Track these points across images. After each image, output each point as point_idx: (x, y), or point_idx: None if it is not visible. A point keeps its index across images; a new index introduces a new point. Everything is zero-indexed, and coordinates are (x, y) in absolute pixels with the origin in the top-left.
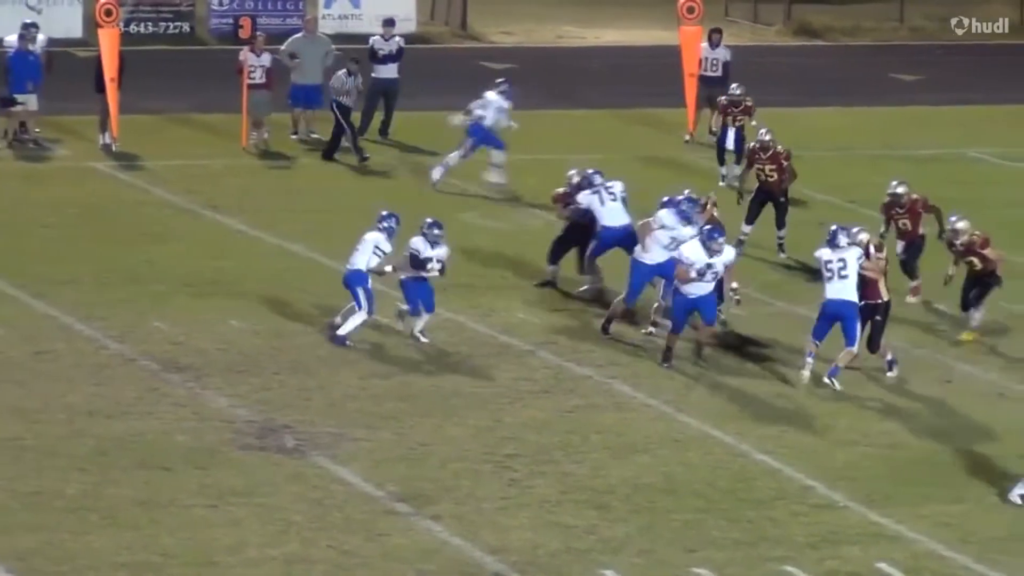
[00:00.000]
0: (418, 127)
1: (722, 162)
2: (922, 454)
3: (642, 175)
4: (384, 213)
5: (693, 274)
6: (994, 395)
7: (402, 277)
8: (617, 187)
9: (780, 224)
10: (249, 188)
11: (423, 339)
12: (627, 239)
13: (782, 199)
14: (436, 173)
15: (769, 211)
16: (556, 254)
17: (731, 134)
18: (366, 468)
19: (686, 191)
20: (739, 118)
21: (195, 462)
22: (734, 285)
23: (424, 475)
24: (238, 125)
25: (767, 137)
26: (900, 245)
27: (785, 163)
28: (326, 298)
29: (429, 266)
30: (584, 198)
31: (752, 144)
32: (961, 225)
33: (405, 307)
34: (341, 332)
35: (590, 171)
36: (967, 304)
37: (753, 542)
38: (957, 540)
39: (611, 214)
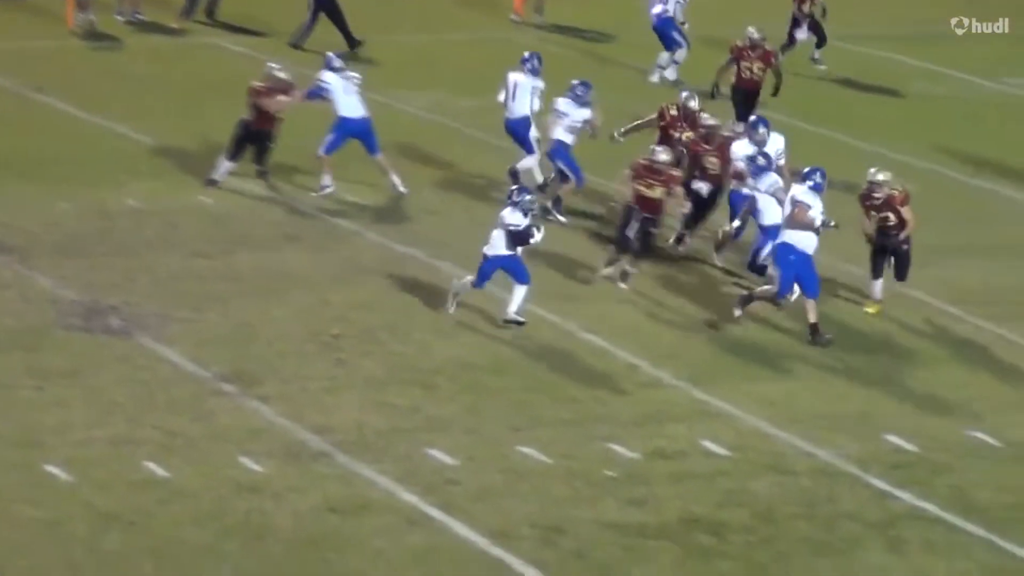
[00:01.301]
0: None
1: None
2: (747, 335)
3: (472, 57)
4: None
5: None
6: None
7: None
8: (356, 78)
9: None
10: (75, 70)
11: (520, 319)
12: (365, 132)
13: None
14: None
15: None
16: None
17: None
18: (192, 349)
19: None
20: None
21: (21, 343)
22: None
23: (250, 355)
24: (63, 7)
25: (758, 36)
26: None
27: (774, 61)
28: (153, 179)
29: (532, 238)
30: (330, 78)
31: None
32: (882, 176)
33: (468, 279)
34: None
35: (330, 54)
36: (879, 271)
37: (579, 421)
38: (782, 418)
39: (349, 105)
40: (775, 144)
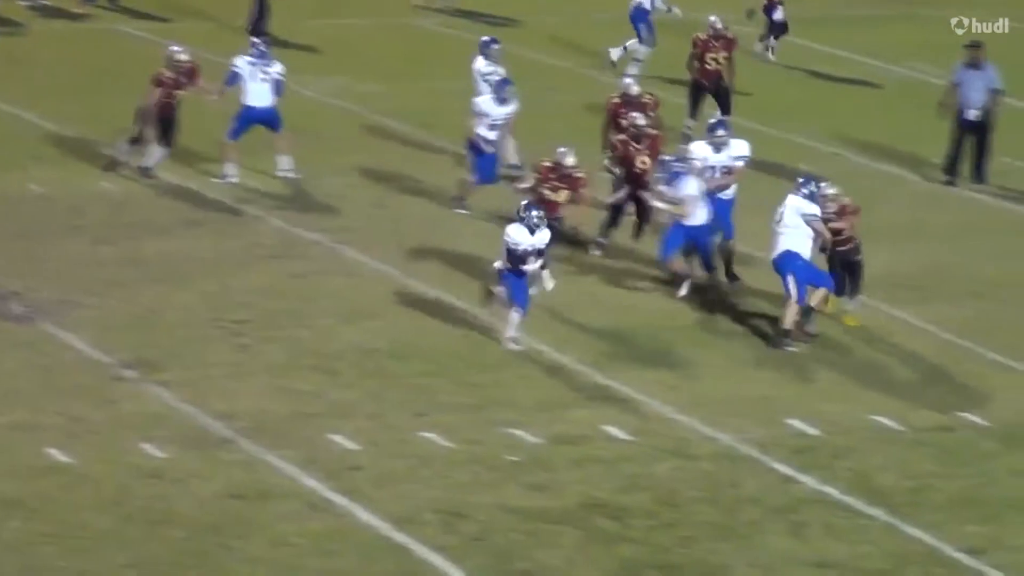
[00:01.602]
0: None
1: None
2: (650, 321)
3: (375, 42)
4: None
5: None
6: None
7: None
8: (276, 68)
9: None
10: None
11: (515, 347)
12: (269, 120)
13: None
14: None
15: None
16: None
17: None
18: (94, 335)
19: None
20: None
21: None
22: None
23: (152, 341)
24: None
25: (720, 25)
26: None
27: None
28: (55, 164)
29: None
30: (240, 64)
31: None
32: (832, 191)
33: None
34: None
35: (256, 39)
36: (841, 288)
37: (481, 406)
38: (685, 403)
39: (256, 93)
40: (738, 149)
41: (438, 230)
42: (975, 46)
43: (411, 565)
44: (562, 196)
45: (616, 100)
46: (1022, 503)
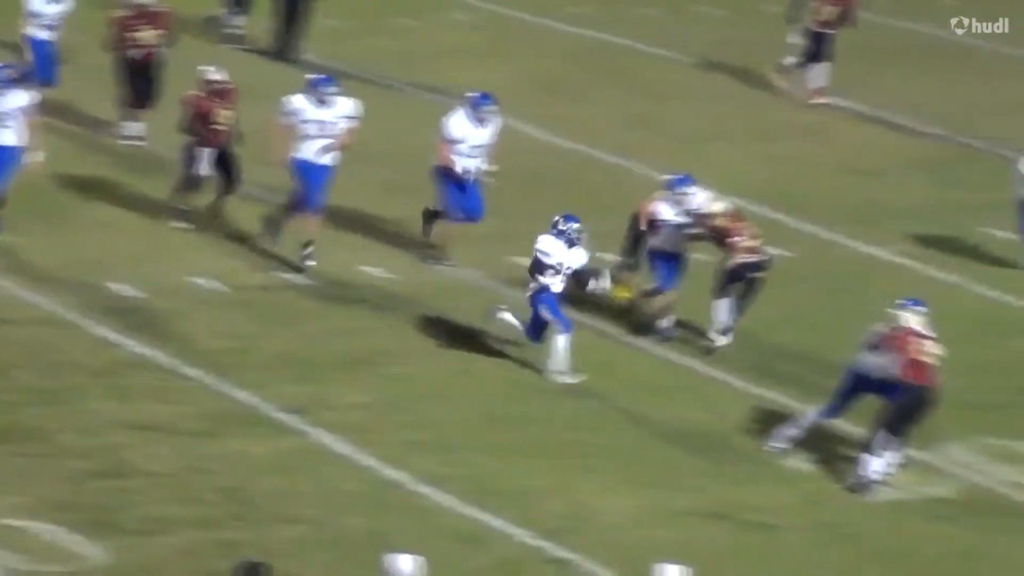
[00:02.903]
0: None
1: None
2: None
3: None
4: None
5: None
6: None
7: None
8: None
9: None
10: None
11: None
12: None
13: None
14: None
15: None
16: None
17: None
18: None
19: None
20: None
21: None
22: None
23: None
24: None
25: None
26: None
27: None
28: None
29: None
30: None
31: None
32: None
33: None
34: None
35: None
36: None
37: None
38: (4, 268)
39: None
40: (345, 108)
41: None
42: None
43: None
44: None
45: (123, 15)
46: (341, 362)
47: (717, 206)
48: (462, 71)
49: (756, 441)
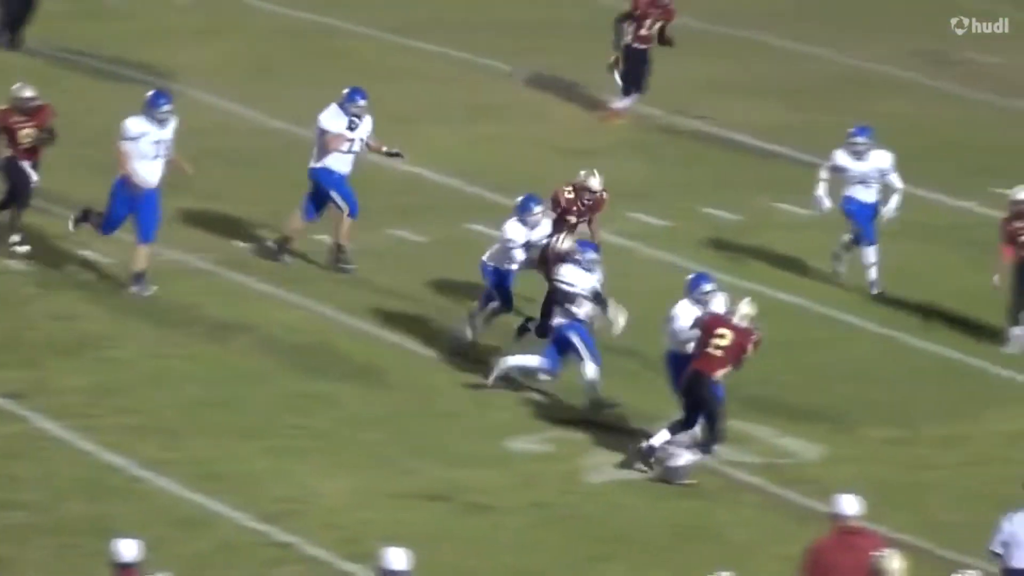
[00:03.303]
0: None
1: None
2: None
3: None
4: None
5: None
6: None
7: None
8: None
9: None
10: None
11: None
12: None
13: None
14: None
15: None
16: None
17: None
18: None
19: None
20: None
21: None
22: None
23: None
24: None
25: None
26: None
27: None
28: None
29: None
30: None
31: None
32: (594, 181)
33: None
34: None
35: None
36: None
37: None
38: None
39: None
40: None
41: None
42: None
43: None
44: None
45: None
46: (60, 346)
47: None
48: (177, 52)
49: (472, 422)
